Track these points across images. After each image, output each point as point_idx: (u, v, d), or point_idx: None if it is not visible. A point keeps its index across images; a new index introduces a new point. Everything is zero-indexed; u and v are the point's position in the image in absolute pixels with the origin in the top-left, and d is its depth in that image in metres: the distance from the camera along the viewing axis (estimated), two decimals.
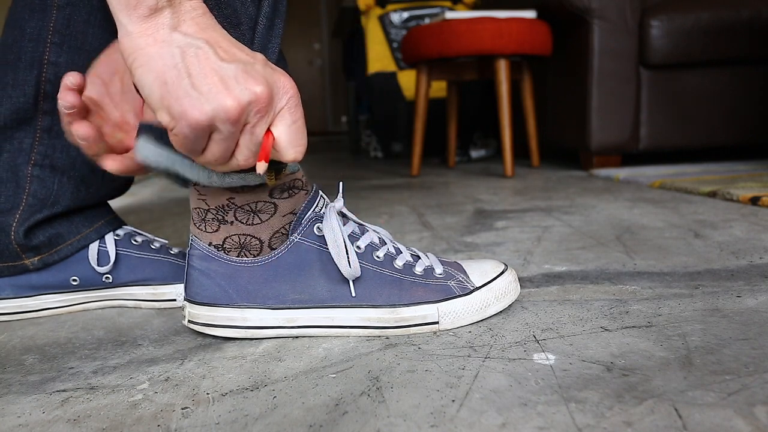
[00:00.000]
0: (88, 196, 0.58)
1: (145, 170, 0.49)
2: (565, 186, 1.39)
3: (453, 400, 0.36)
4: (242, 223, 0.47)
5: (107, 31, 0.56)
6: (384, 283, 0.48)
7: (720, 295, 0.54)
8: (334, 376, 0.41)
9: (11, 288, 0.57)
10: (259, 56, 0.39)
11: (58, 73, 0.54)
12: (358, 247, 0.49)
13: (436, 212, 1.10)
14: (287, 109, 0.39)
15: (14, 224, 0.55)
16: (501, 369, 0.41)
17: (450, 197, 1.29)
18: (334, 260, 0.47)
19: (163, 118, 0.36)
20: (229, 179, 0.45)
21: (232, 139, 0.38)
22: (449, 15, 1.62)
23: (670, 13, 1.55)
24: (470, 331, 0.48)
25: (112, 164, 0.48)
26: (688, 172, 1.45)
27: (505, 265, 0.54)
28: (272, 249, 0.48)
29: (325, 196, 0.51)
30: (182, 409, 0.37)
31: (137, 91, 0.37)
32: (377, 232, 0.52)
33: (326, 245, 0.48)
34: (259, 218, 0.48)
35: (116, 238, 0.59)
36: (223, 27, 0.40)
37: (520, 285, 0.59)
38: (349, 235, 0.49)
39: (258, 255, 0.48)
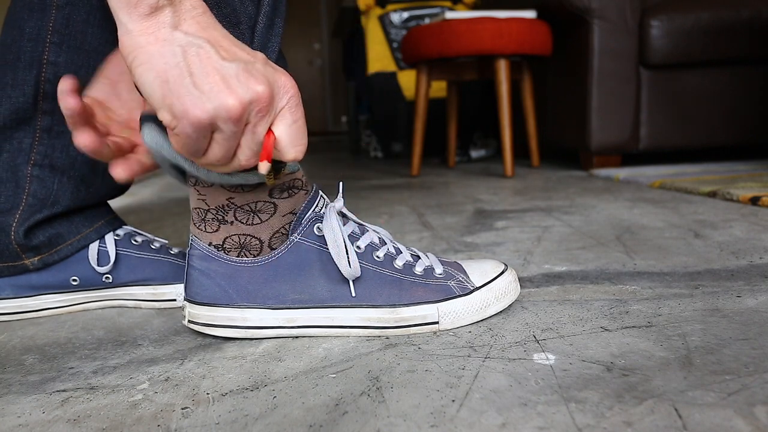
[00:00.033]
0: (88, 196, 0.58)
1: (151, 168, 0.49)
2: (565, 186, 1.39)
3: (453, 400, 0.36)
4: (242, 223, 0.47)
5: (106, 30, 0.56)
6: (384, 283, 0.48)
7: (720, 295, 0.54)
8: (334, 376, 0.41)
9: (11, 288, 0.57)
10: (260, 55, 0.39)
11: (57, 73, 0.54)
12: (358, 247, 0.49)
13: (436, 212, 1.10)
14: (288, 109, 0.39)
15: (14, 224, 0.55)
16: (501, 369, 0.41)
17: (450, 197, 1.29)
18: (334, 260, 0.47)
19: (165, 117, 0.36)
20: (228, 177, 0.45)
21: (234, 138, 0.38)
22: (449, 15, 1.62)
23: (670, 13, 1.55)
24: (470, 331, 0.48)
25: (120, 172, 0.48)
26: (688, 172, 1.45)
27: (505, 265, 0.54)
28: (272, 249, 0.48)
29: (325, 196, 0.51)
30: (182, 409, 0.37)
31: (137, 90, 0.37)
32: (377, 232, 0.52)
33: (326, 245, 0.48)
34: (259, 218, 0.48)
35: (116, 238, 0.59)
36: (222, 26, 0.40)
37: (520, 285, 0.59)
38: (349, 235, 0.49)
39: (258, 255, 0.48)
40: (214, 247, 0.48)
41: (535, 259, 0.72)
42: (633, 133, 1.63)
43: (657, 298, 0.54)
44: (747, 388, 0.36)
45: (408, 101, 2.57)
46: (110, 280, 0.58)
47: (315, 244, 0.48)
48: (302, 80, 6.66)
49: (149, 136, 0.42)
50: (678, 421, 0.33)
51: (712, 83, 1.61)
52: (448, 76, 1.76)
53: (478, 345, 0.45)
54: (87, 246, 0.58)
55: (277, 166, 0.44)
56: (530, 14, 1.62)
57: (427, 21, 2.45)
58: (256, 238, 0.48)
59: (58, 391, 0.41)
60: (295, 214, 0.49)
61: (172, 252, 0.61)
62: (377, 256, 0.49)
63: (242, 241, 0.48)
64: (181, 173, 0.46)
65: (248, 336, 0.48)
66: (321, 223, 0.48)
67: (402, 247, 0.51)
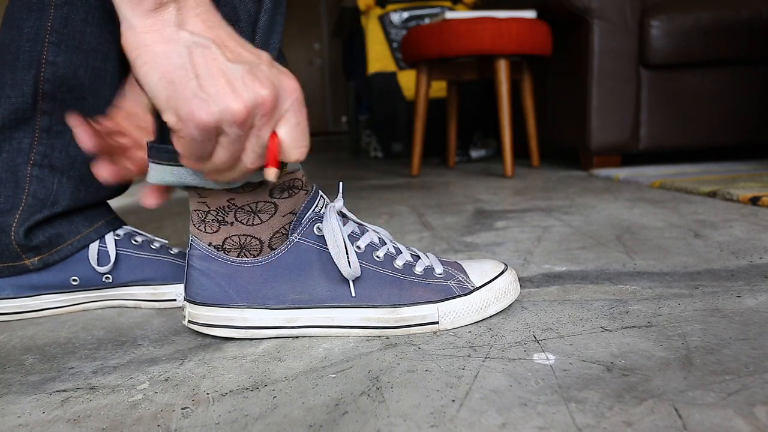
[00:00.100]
0: (87, 196, 0.58)
1: (138, 174, 0.51)
2: (565, 186, 1.39)
3: (453, 400, 0.36)
4: (242, 223, 0.47)
5: (105, 29, 0.56)
6: (384, 283, 0.48)
7: (720, 295, 0.54)
8: (334, 376, 0.41)
9: (11, 288, 0.57)
10: (264, 56, 0.39)
11: (56, 73, 0.54)
12: (358, 247, 0.49)
13: (436, 212, 1.10)
14: (291, 111, 0.39)
15: (14, 224, 0.55)
16: (501, 369, 0.41)
17: (450, 197, 1.29)
18: (334, 260, 0.47)
19: (170, 119, 0.36)
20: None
21: (239, 142, 0.38)
22: (449, 15, 1.62)
23: (670, 13, 1.55)
24: (470, 331, 0.48)
25: (104, 174, 0.51)
26: (688, 172, 1.45)
27: (505, 265, 0.54)
28: (272, 249, 0.48)
29: (325, 196, 0.51)
30: (182, 409, 0.37)
31: (140, 87, 0.37)
32: (377, 232, 0.52)
33: (326, 245, 0.47)
34: (260, 218, 0.48)
35: (116, 238, 0.59)
36: None
37: (520, 285, 0.59)
38: (349, 235, 0.49)
39: (258, 255, 0.48)
40: (214, 247, 0.48)
41: (535, 259, 0.72)
42: (633, 133, 1.63)
43: (657, 298, 0.54)
44: (747, 388, 0.36)
45: (408, 101, 2.57)
46: (110, 280, 0.58)
47: (315, 244, 0.48)
48: (302, 80, 6.65)
49: (154, 177, 0.45)
50: (678, 421, 0.33)
51: (712, 83, 1.61)
52: (448, 76, 1.76)
53: (478, 345, 0.45)
54: (87, 246, 0.58)
55: (280, 166, 0.44)
56: (530, 14, 1.62)
57: (427, 21, 2.45)
58: (256, 238, 0.48)
59: (58, 391, 0.41)
60: (295, 214, 0.49)
61: (172, 252, 0.61)
62: (377, 256, 0.49)
63: (242, 241, 0.48)
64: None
65: (248, 336, 0.48)
66: (321, 223, 0.48)
67: (402, 247, 0.51)
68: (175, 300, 0.59)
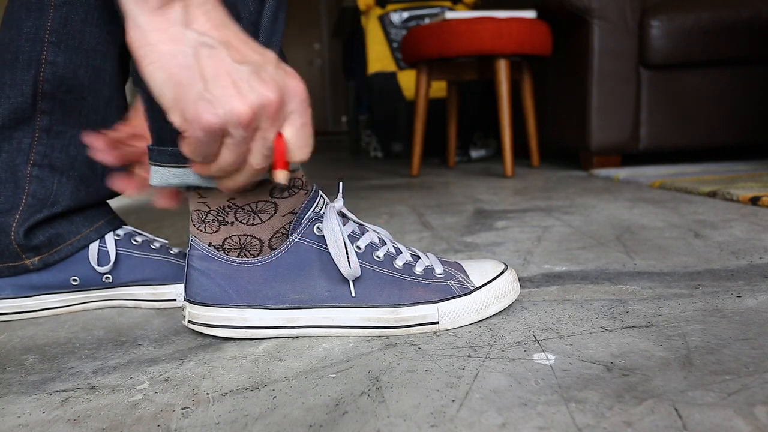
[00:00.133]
0: (87, 196, 0.58)
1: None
2: (565, 186, 1.39)
3: (453, 400, 0.36)
4: (242, 223, 0.47)
5: (104, 29, 0.56)
6: (384, 283, 0.48)
7: (720, 295, 0.54)
8: (334, 376, 0.41)
9: (11, 288, 0.57)
10: (271, 56, 0.39)
11: (55, 72, 0.54)
12: (358, 247, 0.49)
13: (436, 212, 1.10)
14: (296, 112, 0.39)
15: (14, 224, 0.55)
16: (501, 369, 0.41)
17: (450, 197, 1.29)
18: (334, 260, 0.47)
19: (176, 119, 0.36)
20: None
21: (244, 143, 0.38)
22: (449, 15, 1.62)
23: (670, 13, 1.55)
24: (470, 331, 0.48)
25: (121, 186, 0.56)
26: (688, 172, 1.45)
27: (505, 265, 0.54)
28: (272, 249, 0.48)
29: (325, 196, 0.51)
30: (182, 409, 0.37)
31: (148, 84, 0.37)
32: (377, 232, 0.52)
33: (326, 245, 0.47)
34: (260, 218, 0.48)
35: (116, 238, 0.59)
36: None
37: (520, 285, 0.59)
38: (349, 235, 0.49)
39: (258, 255, 0.48)
40: (214, 247, 0.48)
41: (535, 259, 0.72)
42: (633, 133, 1.63)
43: (657, 298, 0.54)
44: (747, 388, 0.36)
45: (408, 101, 2.57)
46: (110, 280, 0.58)
47: (315, 244, 0.48)
48: (302, 80, 6.64)
49: (156, 180, 0.46)
50: (678, 421, 0.33)
51: (712, 83, 1.61)
52: (448, 76, 1.76)
53: (478, 345, 0.45)
54: (87, 246, 0.58)
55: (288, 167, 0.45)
56: (530, 14, 1.62)
57: (427, 21, 2.45)
58: (257, 238, 0.48)
59: (58, 391, 0.41)
60: (295, 213, 0.49)
61: (172, 252, 0.61)
62: (377, 256, 0.49)
63: (242, 241, 0.48)
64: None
65: (248, 336, 0.48)
66: (321, 223, 0.48)
67: (402, 247, 0.51)
68: (175, 300, 0.59)
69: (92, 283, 0.58)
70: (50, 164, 0.56)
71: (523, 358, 0.42)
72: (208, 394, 0.39)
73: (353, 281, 0.48)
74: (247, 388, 0.40)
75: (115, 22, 0.56)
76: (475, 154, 2.37)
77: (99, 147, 0.53)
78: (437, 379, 0.40)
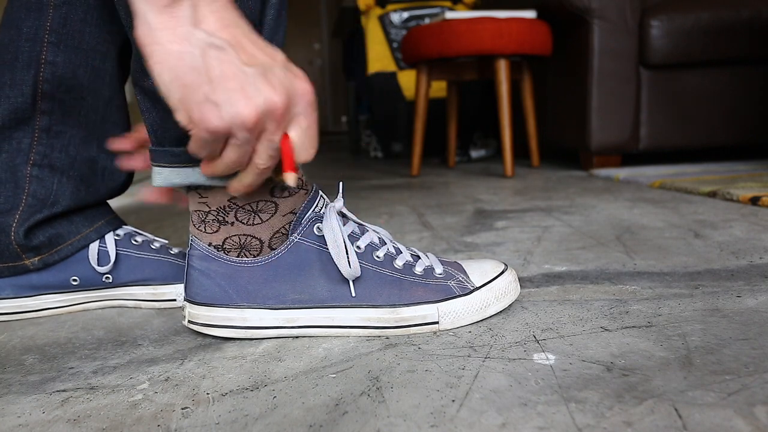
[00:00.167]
0: (87, 196, 0.58)
1: None
2: (565, 186, 1.39)
3: (453, 400, 0.36)
4: (243, 223, 0.47)
5: (104, 29, 0.56)
6: (384, 283, 0.48)
7: (720, 295, 0.54)
8: (334, 376, 0.41)
9: (11, 288, 0.57)
10: (279, 57, 0.38)
11: (55, 72, 0.54)
12: (358, 247, 0.49)
13: (436, 212, 1.10)
14: (303, 114, 0.39)
15: (14, 224, 0.55)
16: (501, 369, 0.41)
17: (450, 197, 1.29)
18: (334, 260, 0.47)
19: (182, 119, 0.37)
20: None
21: (248, 144, 0.38)
22: (449, 15, 1.62)
23: (670, 13, 1.55)
24: (470, 331, 0.48)
25: (135, 164, 0.58)
26: (688, 172, 1.45)
27: (505, 265, 0.54)
28: (272, 249, 0.48)
29: (325, 196, 0.51)
30: (182, 409, 0.37)
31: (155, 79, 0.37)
32: (377, 232, 0.52)
33: (326, 245, 0.47)
34: (260, 218, 0.48)
35: (116, 238, 0.59)
36: None
37: (520, 285, 0.59)
38: (349, 235, 0.49)
39: (258, 255, 0.48)
40: (214, 247, 0.48)
41: (535, 259, 0.71)
42: (633, 133, 1.63)
43: (657, 298, 0.54)
44: (747, 388, 0.36)
45: (408, 101, 2.57)
46: (110, 280, 0.58)
47: (315, 244, 0.48)
48: None
49: (159, 180, 0.46)
50: (678, 421, 0.33)
51: (712, 83, 1.61)
52: (448, 76, 1.76)
53: (478, 345, 0.45)
54: (87, 246, 0.58)
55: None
56: (530, 14, 1.62)
57: (427, 21, 2.45)
58: (257, 238, 0.48)
59: (58, 391, 0.41)
60: (295, 213, 0.49)
61: (172, 252, 0.61)
62: (377, 256, 0.49)
63: (242, 241, 0.48)
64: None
65: (248, 336, 0.48)
66: (321, 223, 0.48)
67: (402, 247, 0.51)
68: (175, 300, 0.59)
69: (92, 283, 0.58)
70: (50, 164, 0.56)
71: (523, 358, 0.42)
72: (208, 394, 0.39)
73: (353, 281, 0.48)
74: (247, 388, 0.40)
75: (114, 22, 0.56)
76: (475, 154, 2.37)
77: (125, 147, 0.54)
78: (437, 379, 0.40)
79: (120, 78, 0.59)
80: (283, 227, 0.48)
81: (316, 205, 0.49)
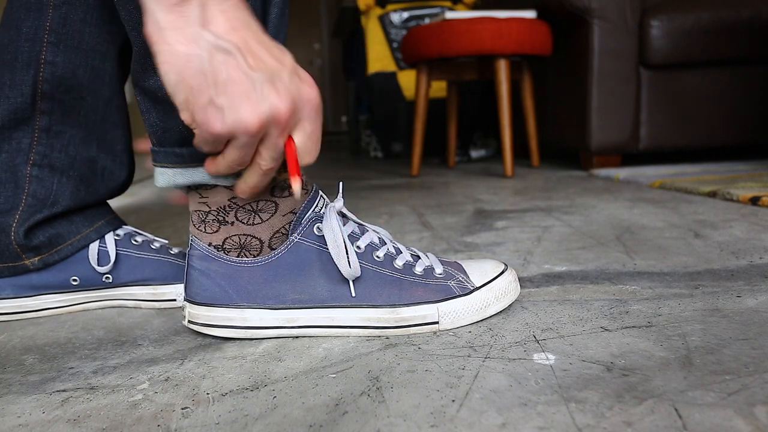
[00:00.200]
0: (87, 196, 0.58)
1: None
2: (565, 186, 1.39)
3: (453, 400, 0.36)
4: (243, 223, 0.48)
5: (103, 29, 0.56)
6: (384, 283, 0.48)
7: (720, 295, 0.54)
8: (334, 376, 0.41)
9: (11, 288, 0.57)
10: (288, 61, 0.38)
11: (55, 73, 0.54)
12: (358, 247, 0.49)
13: (436, 212, 1.10)
14: (308, 119, 0.39)
15: (14, 224, 0.55)
16: (501, 369, 0.41)
17: (450, 197, 1.29)
18: (334, 260, 0.47)
19: (186, 118, 0.37)
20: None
21: (250, 146, 0.38)
22: (449, 15, 1.62)
23: (670, 13, 1.55)
24: (470, 331, 0.48)
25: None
26: (688, 172, 1.45)
27: (505, 265, 0.54)
28: (272, 249, 0.48)
29: (324, 196, 0.51)
30: (182, 409, 0.37)
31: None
32: (377, 232, 0.52)
33: (326, 245, 0.47)
34: (260, 218, 0.48)
35: (116, 238, 0.59)
36: None
37: (520, 285, 0.59)
38: (349, 235, 0.49)
39: (258, 255, 0.48)
40: (214, 247, 0.48)
41: (535, 259, 0.71)
42: (633, 133, 1.63)
43: (657, 298, 0.54)
44: (747, 388, 0.36)
45: (408, 101, 2.57)
46: (110, 280, 0.58)
47: (315, 244, 0.48)
48: None
49: (162, 181, 0.46)
50: (678, 421, 0.33)
51: (712, 83, 1.61)
52: (448, 76, 1.76)
53: (478, 345, 0.45)
54: (87, 246, 0.58)
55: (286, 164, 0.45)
56: (530, 14, 1.62)
57: (427, 21, 2.45)
58: (257, 238, 0.48)
59: (58, 391, 0.41)
60: (295, 213, 0.49)
61: (172, 252, 0.61)
62: (377, 256, 0.49)
63: (242, 241, 0.48)
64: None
65: (248, 336, 0.48)
66: (321, 223, 0.48)
67: (402, 247, 0.51)
68: (175, 300, 0.59)
69: (92, 283, 0.58)
70: (50, 164, 0.56)
71: (523, 358, 0.42)
72: (208, 394, 0.39)
73: (353, 281, 0.48)
74: (247, 388, 0.40)
75: (114, 22, 0.56)
76: (475, 154, 2.37)
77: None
78: (437, 379, 0.40)
79: (120, 78, 0.59)
80: (283, 227, 0.48)
81: (316, 205, 0.49)
